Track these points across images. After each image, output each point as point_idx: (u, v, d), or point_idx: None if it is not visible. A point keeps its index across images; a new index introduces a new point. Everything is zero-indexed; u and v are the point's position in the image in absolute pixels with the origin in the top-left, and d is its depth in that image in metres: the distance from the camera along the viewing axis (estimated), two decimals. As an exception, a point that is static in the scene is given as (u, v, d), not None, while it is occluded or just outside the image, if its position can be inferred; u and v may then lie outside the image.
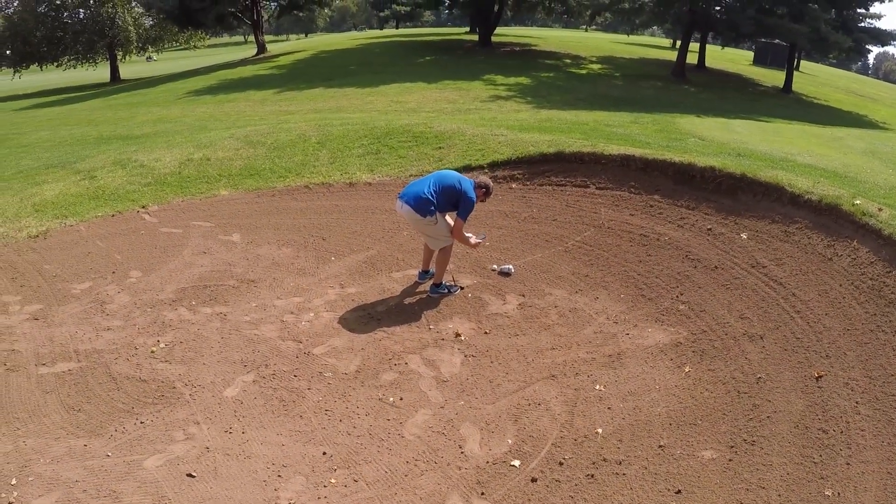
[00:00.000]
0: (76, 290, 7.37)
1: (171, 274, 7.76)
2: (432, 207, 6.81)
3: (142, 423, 5.30)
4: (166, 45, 48.59)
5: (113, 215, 9.30)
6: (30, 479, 4.68)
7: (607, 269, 7.61)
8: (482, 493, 4.66)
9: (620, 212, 8.55)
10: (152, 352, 6.24)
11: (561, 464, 4.92)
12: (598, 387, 5.76)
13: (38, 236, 8.59)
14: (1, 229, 8.75)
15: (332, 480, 4.76)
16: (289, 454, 5.01)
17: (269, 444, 5.11)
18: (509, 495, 4.65)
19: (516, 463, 4.94)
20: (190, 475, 4.76)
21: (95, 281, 7.58)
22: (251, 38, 58.97)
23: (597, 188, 9.09)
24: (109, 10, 40.45)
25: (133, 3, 43.10)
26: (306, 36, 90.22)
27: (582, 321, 6.77)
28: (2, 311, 6.93)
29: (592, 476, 4.79)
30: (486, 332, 6.63)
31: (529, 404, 5.58)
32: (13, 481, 4.64)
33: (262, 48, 44.20)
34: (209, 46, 65.76)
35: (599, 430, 5.24)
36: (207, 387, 5.75)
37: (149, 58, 60.02)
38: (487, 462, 4.96)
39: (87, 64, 42.90)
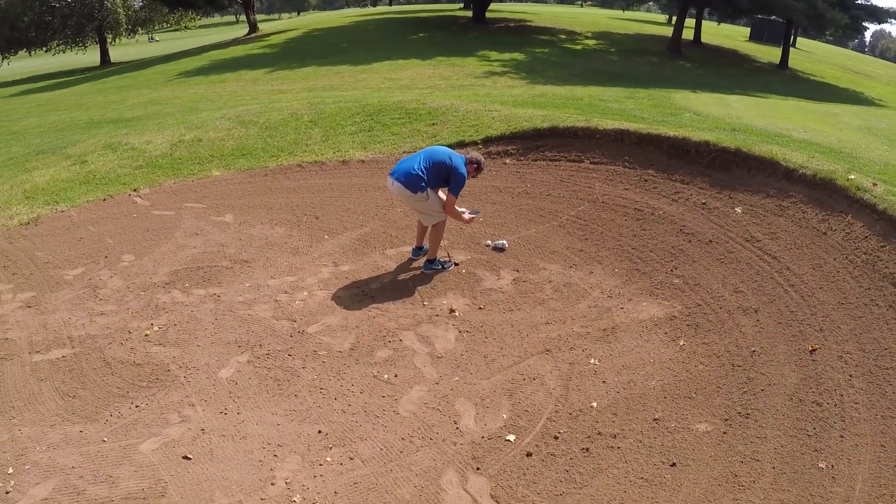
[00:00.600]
0: (69, 275, 7.35)
1: (163, 256, 7.74)
2: (423, 184, 6.79)
3: (137, 406, 5.30)
4: (156, 27, 48.21)
5: (104, 199, 9.25)
6: (26, 467, 4.68)
7: (602, 244, 7.60)
8: (477, 468, 4.68)
9: (615, 186, 8.52)
10: (146, 335, 6.23)
11: (556, 438, 4.93)
12: (592, 361, 5.77)
13: (29, 223, 8.56)
14: (-9, 217, 8.72)
15: (328, 458, 4.77)
16: (284, 433, 5.02)
17: (264, 423, 5.12)
18: (505, 470, 4.66)
19: (511, 437, 4.95)
20: (186, 457, 4.77)
21: (88, 266, 7.55)
22: (242, 17, 58.51)
23: (591, 163, 9.06)
24: (97, -9, 40.08)
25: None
26: (298, 14, 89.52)
27: (576, 296, 6.76)
28: (-6, 299, 6.92)
29: (587, 450, 4.81)
30: (480, 308, 6.62)
31: (524, 379, 5.59)
32: (10, 470, 4.65)
33: (253, 27, 43.86)
34: (200, 27, 65.28)
35: (594, 404, 5.25)
36: (202, 368, 5.75)
37: (151, 38, 59.71)
38: (482, 437, 4.97)
39: (76, 48, 42.51)
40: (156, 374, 5.69)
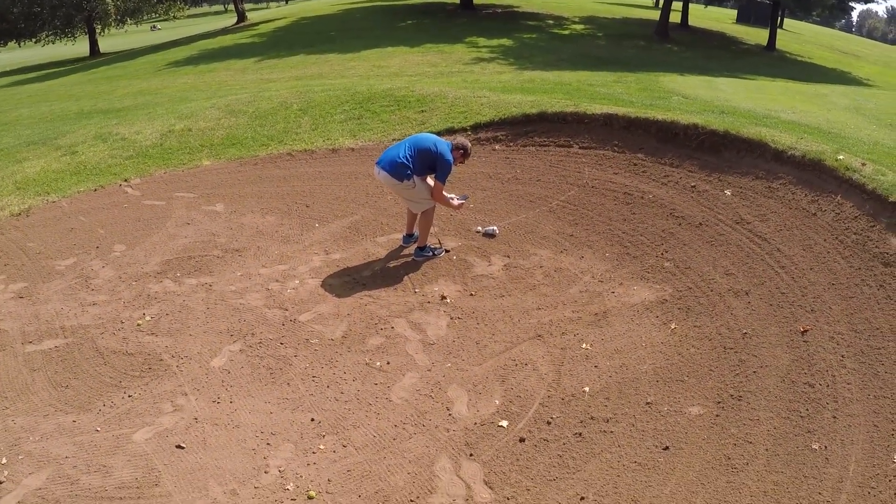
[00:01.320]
0: (60, 266, 7.33)
1: (155, 246, 7.72)
2: (408, 171, 6.78)
3: (130, 396, 5.30)
4: (145, 17, 47.86)
5: (95, 190, 9.23)
6: (20, 457, 4.69)
7: (592, 229, 7.60)
8: (471, 455, 4.69)
9: (604, 171, 8.52)
10: (138, 325, 6.23)
11: (549, 423, 4.95)
12: (584, 345, 5.79)
13: (20, 214, 8.55)
14: (-17, 209, 8.69)
15: (321, 446, 4.78)
16: (277, 422, 5.02)
17: (257, 412, 5.12)
18: (498, 456, 4.68)
19: (504, 423, 4.97)
20: (179, 446, 4.78)
21: (79, 256, 7.54)
22: (231, 6, 58.19)
23: (580, 148, 9.04)
24: (85, -18, 39.74)
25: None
26: (286, 3, 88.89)
27: (567, 280, 6.77)
28: (-14, 290, 6.91)
29: (580, 434, 4.83)
30: (471, 294, 6.62)
31: (516, 364, 5.61)
32: (3, 460, 4.66)
33: (241, 17, 43.61)
34: (189, 17, 64.85)
35: (586, 389, 5.27)
36: (194, 358, 5.75)
37: (153, 27, 59.54)
38: (475, 423, 4.99)
39: (65, 39, 42.22)
40: (148, 363, 5.69)
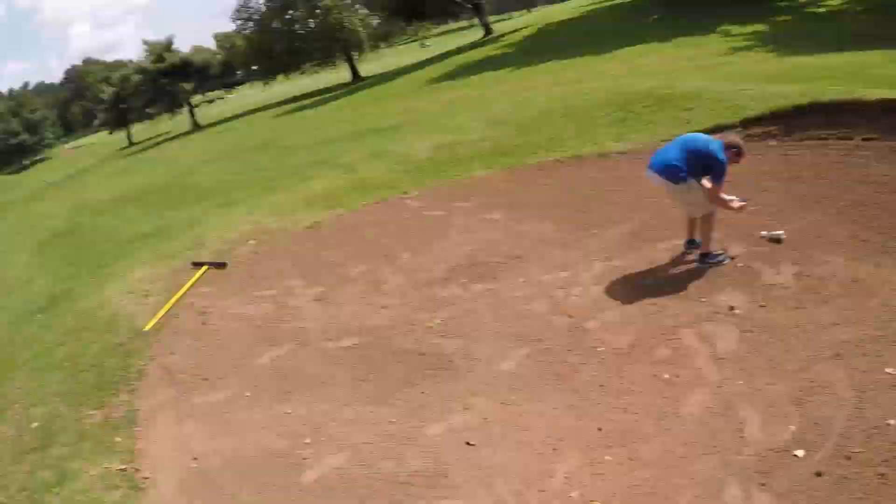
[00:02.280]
0: (353, 272, 7.98)
1: (439, 253, 8.16)
2: (682, 174, 6.55)
3: (423, 393, 5.67)
4: (397, 40, 50.95)
5: (377, 203, 9.94)
6: (322, 439, 5.29)
7: (889, 232, 6.72)
8: (762, 484, 4.29)
9: (893, 165, 7.66)
10: (429, 327, 6.62)
11: (848, 458, 4.35)
12: (888, 370, 5.03)
13: (312, 227, 9.43)
14: (280, 223, 9.68)
15: (607, 457, 4.70)
16: (563, 428, 5.05)
17: (544, 417, 5.21)
18: (793, 489, 4.20)
19: (800, 453, 4.46)
20: (468, 443, 5.02)
21: (370, 264, 8.15)
22: (475, 20, 60.16)
23: (862, 139, 8.24)
24: (336, 16, 43.14)
25: (356, 6, 45.62)
26: (529, 11, 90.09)
27: (866, 293, 6.02)
28: (289, 294, 7.71)
29: (884, 476, 4.18)
30: (761, 305, 6.14)
31: (812, 387, 5.03)
32: (307, 440, 5.28)
33: (488, 30, 44.93)
34: (439, 34, 67.59)
35: (892, 422, 4.55)
36: (483, 360, 5.99)
37: (422, 44, 63.77)
38: (768, 449, 4.55)
39: (327, 67, 46.21)
40: (440, 363, 6.03)
